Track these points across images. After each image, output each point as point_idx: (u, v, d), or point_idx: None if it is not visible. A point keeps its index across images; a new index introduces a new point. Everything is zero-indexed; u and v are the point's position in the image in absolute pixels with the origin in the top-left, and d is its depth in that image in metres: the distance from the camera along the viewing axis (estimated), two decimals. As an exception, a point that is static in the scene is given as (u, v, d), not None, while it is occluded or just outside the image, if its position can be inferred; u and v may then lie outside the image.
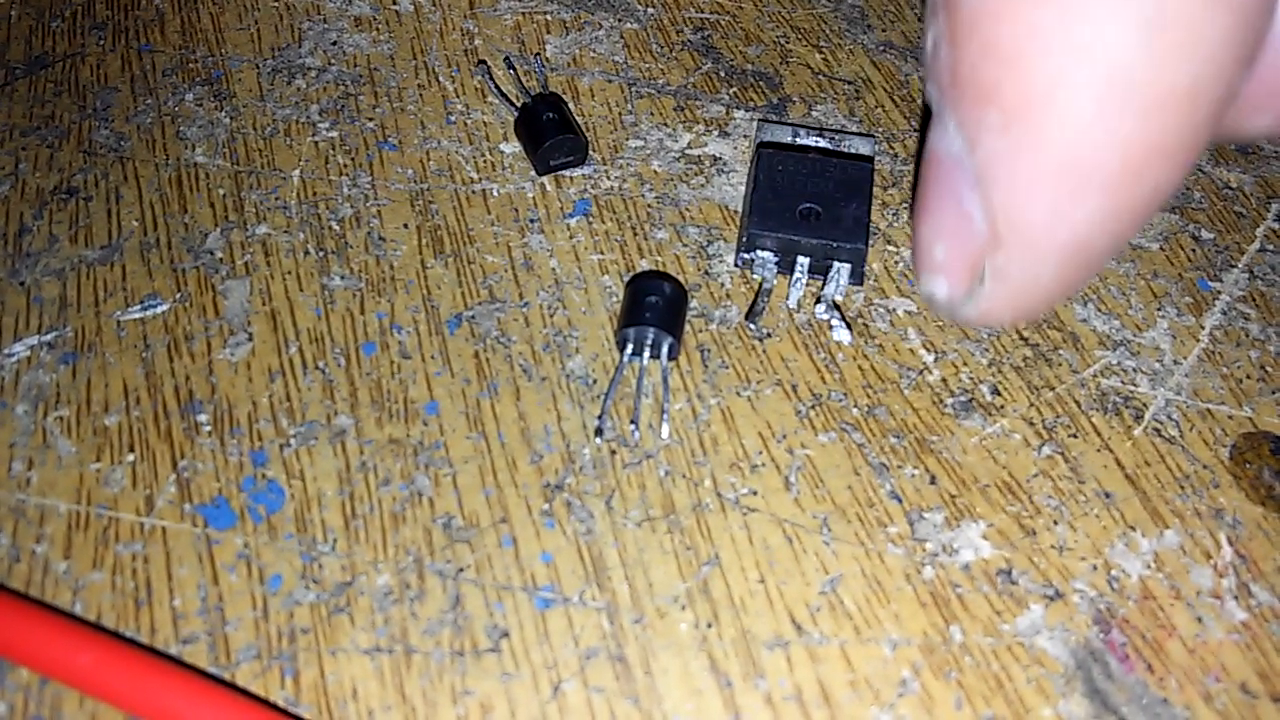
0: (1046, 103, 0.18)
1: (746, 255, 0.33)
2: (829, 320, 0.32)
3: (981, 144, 0.20)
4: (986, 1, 0.19)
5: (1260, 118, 0.21)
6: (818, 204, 0.33)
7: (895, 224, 0.34)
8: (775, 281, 0.33)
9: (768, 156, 0.34)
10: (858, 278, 0.33)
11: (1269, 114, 0.20)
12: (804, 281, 0.32)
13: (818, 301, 0.32)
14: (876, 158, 0.36)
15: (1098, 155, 0.19)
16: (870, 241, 0.33)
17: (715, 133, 0.37)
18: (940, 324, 0.32)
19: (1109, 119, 0.18)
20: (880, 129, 0.37)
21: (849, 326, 0.32)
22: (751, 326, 0.32)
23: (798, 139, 0.35)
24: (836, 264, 0.32)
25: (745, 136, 0.37)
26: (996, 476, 0.29)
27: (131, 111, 0.37)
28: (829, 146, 0.35)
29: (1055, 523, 0.28)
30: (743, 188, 0.35)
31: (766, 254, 0.33)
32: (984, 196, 0.20)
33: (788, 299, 0.32)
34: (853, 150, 0.35)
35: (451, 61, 0.39)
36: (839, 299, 0.32)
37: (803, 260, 0.32)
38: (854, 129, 0.37)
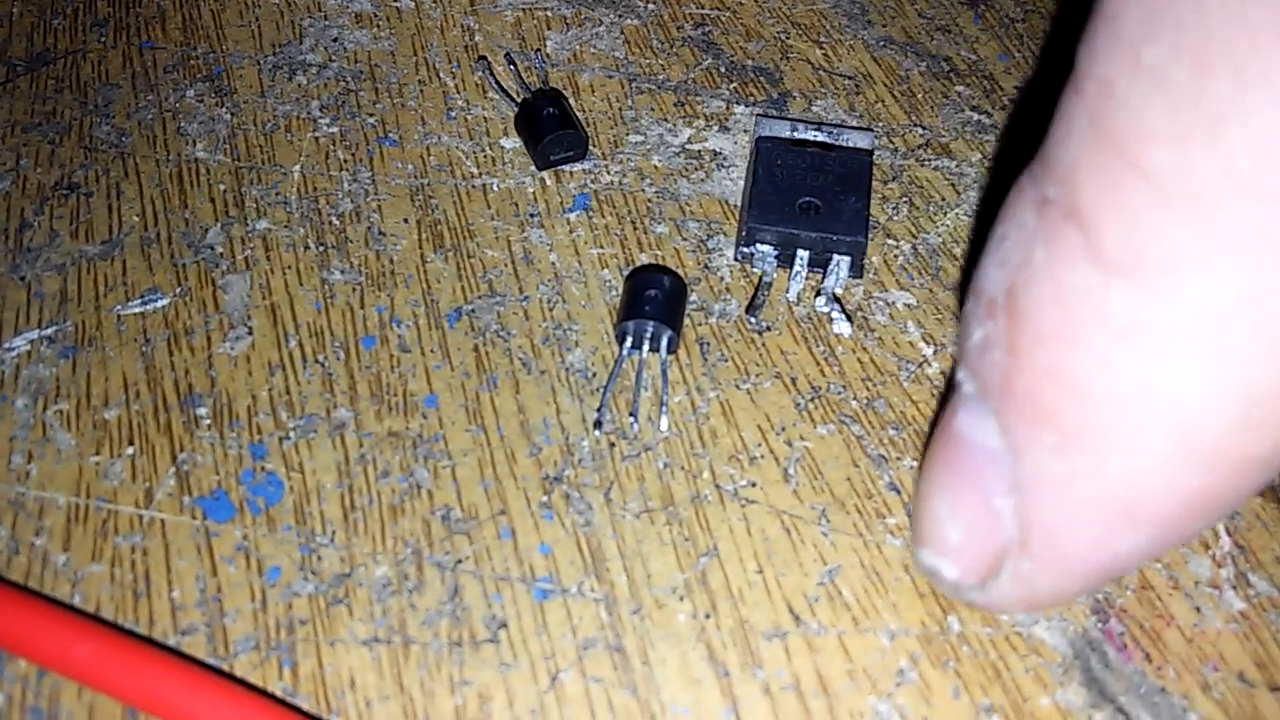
0: (1112, 440, 0.18)
1: (746, 249, 0.33)
2: (829, 313, 0.32)
3: (1030, 459, 0.19)
4: (1060, 325, 0.17)
5: None
6: (817, 197, 0.33)
7: (895, 218, 0.34)
8: (775, 275, 0.33)
9: (767, 150, 0.34)
10: (857, 270, 0.33)
11: None
12: (804, 275, 0.32)
13: (817, 294, 0.32)
14: (876, 152, 0.36)
15: (1157, 499, 0.18)
16: (870, 235, 0.33)
17: (715, 128, 0.37)
18: (940, 317, 0.32)
19: (1177, 469, 0.17)
20: (880, 124, 0.37)
21: (849, 319, 0.32)
22: (752, 320, 0.32)
23: (796, 133, 0.35)
24: (836, 257, 0.32)
25: (745, 131, 0.37)
26: (995, 468, 0.29)
27: (133, 108, 0.37)
28: (828, 140, 0.35)
29: (1054, 514, 0.28)
30: (742, 183, 0.35)
31: (766, 247, 0.33)
32: (1022, 505, 0.20)
33: (787, 292, 0.32)
34: (851, 144, 0.35)
35: (452, 57, 0.39)
36: (839, 291, 0.32)
37: (802, 253, 0.32)
38: (854, 124, 0.37)
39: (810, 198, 0.33)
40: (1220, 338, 0.16)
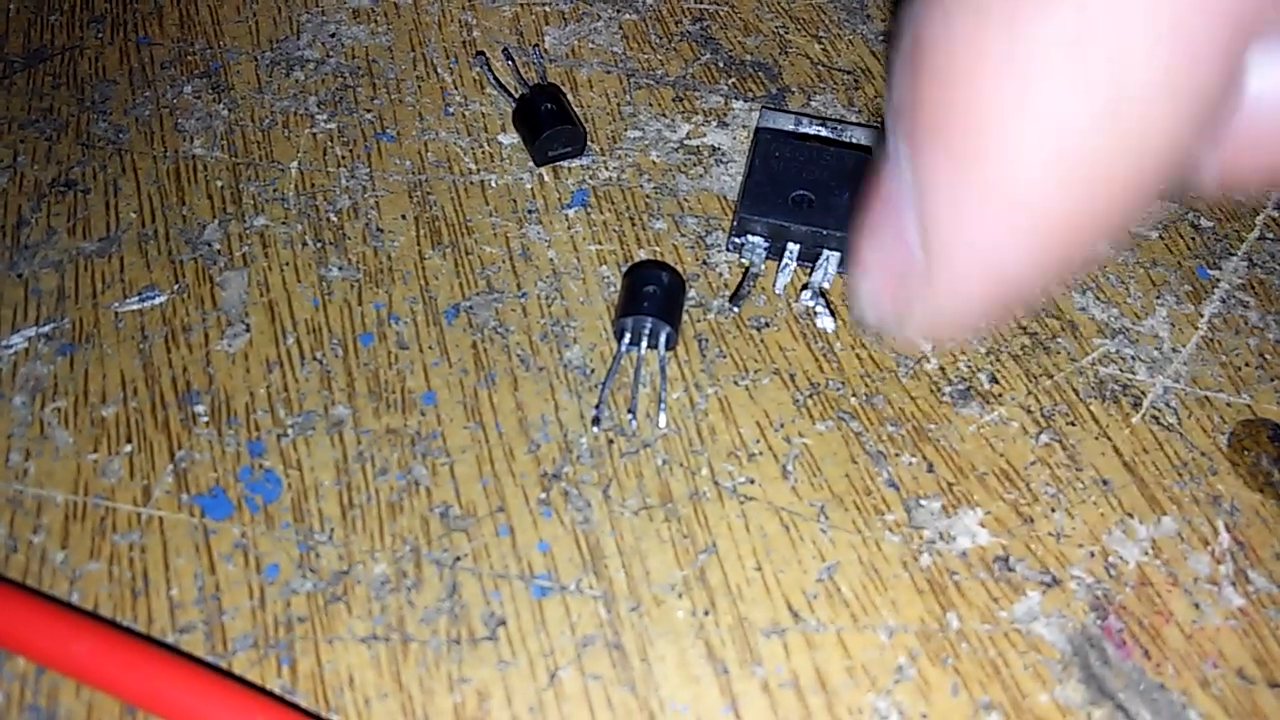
0: (997, 155, 0.19)
1: (737, 239, 0.33)
2: (813, 307, 0.32)
3: (927, 178, 0.21)
4: (948, 61, 0.19)
5: (1243, 174, 0.21)
6: (811, 191, 0.33)
7: (893, 213, 0.34)
8: (764, 267, 0.33)
9: (766, 142, 0.34)
10: (847, 266, 0.33)
11: (1250, 171, 0.21)
12: (793, 268, 0.32)
13: (804, 288, 0.32)
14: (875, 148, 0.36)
15: (1036, 213, 0.19)
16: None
17: (714, 123, 0.37)
18: (938, 312, 0.32)
19: (1053, 183, 0.19)
20: (879, 119, 0.37)
21: (834, 314, 0.32)
22: (735, 309, 0.32)
23: (800, 127, 0.35)
24: (826, 251, 0.32)
25: (744, 127, 0.37)
26: (994, 464, 0.29)
27: (130, 104, 0.37)
28: (830, 135, 0.35)
29: (1053, 510, 0.28)
30: (740, 175, 0.35)
31: (757, 239, 0.33)
32: (922, 224, 0.21)
33: (774, 284, 0.32)
34: (854, 140, 0.35)
35: (450, 53, 0.39)
36: (826, 286, 0.32)
37: (792, 247, 0.32)
38: (854, 119, 0.37)
39: (804, 191, 0.33)
40: (1083, 56, 0.18)
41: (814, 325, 0.32)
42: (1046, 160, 0.19)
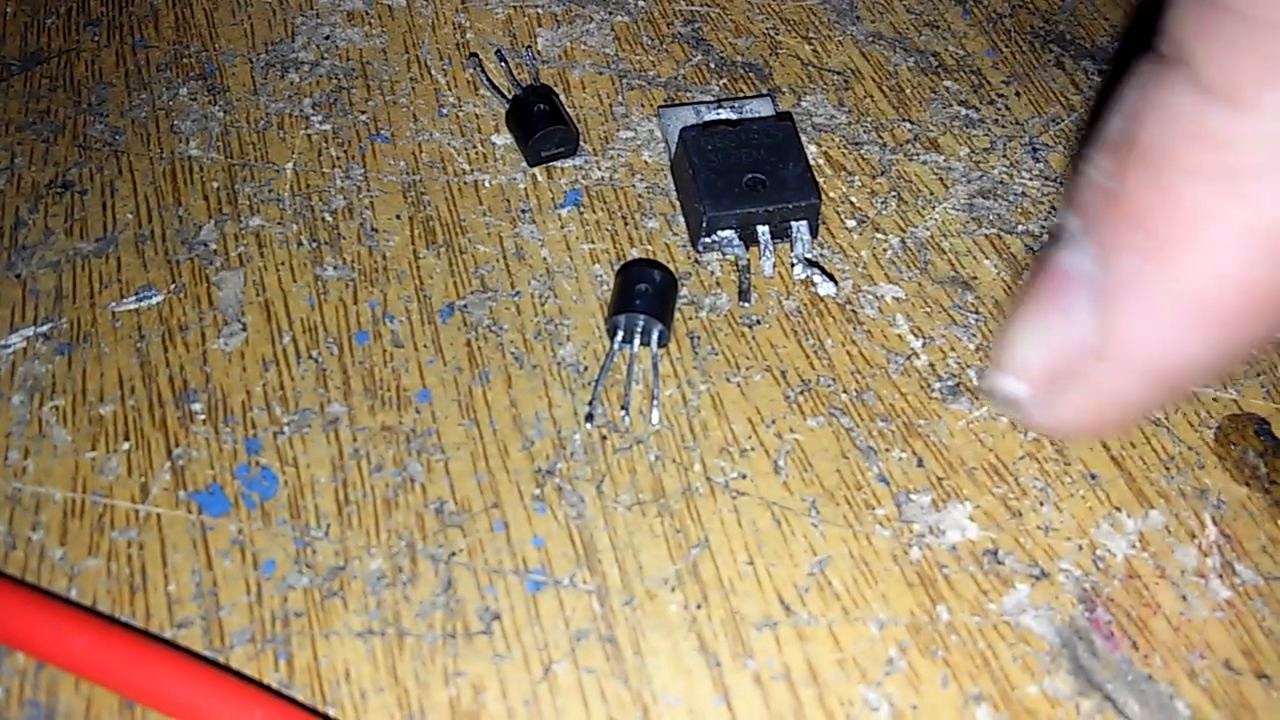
0: (1199, 241, 0.20)
1: (708, 239, 0.33)
2: (809, 277, 0.32)
3: (1118, 264, 0.21)
4: (1164, 143, 0.20)
5: None
6: (759, 172, 0.33)
7: (883, 212, 0.35)
8: (748, 257, 0.33)
9: (694, 139, 0.34)
10: (814, 230, 0.33)
11: None
12: (772, 248, 0.33)
13: (793, 266, 0.32)
14: (865, 145, 0.36)
15: (1231, 297, 0.20)
16: (819, 194, 0.33)
17: (705, 123, 0.37)
18: (928, 310, 0.32)
19: (1251, 268, 0.20)
20: (869, 119, 0.37)
21: (832, 278, 0.32)
22: (746, 304, 0.32)
23: (702, 117, 0.35)
24: (794, 223, 0.33)
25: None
26: (983, 459, 0.29)
27: (126, 106, 0.37)
28: (735, 115, 0.35)
29: (1041, 504, 0.29)
30: (675, 181, 0.35)
31: (728, 233, 0.33)
32: (1104, 311, 0.21)
33: (762, 270, 0.33)
34: (755, 113, 0.36)
35: (443, 55, 0.39)
36: (810, 255, 0.33)
37: (763, 229, 0.33)
38: (760, 107, 0.37)
39: (753, 174, 0.33)
40: None
41: (808, 324, 0.32)
42: (1241, 241, 0.19)
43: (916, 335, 0.32)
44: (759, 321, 0.32)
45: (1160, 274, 0.20)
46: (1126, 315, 0.21)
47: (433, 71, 0.38)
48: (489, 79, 0.38)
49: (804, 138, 0.36)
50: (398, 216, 0.34)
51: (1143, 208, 0.20)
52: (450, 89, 0.38)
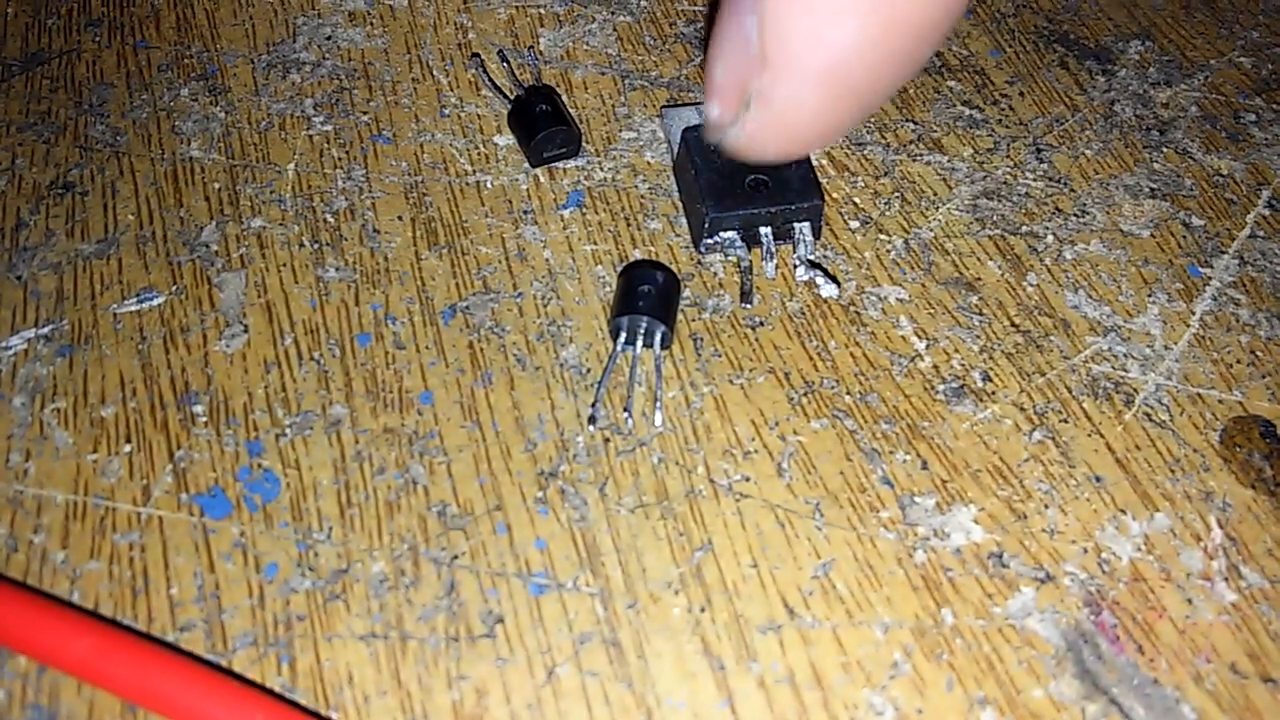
0: None
1: (710, 240, 0.33)
2: (812, 279, 0.32)
3: None
4: None
5: None
6: (761, 173, 0.33)
7: (887, 213, 0.35)
8: (750, 258, 0.33)
9: (696, 140, 0.34)
10: (817, 231, 0.33)
11: None
12: (774, 250, 0.33)
13: (796, 268, 0.32)
14: (869, 146, 0.36)
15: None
16: (822, 195, 0.33)
17: (708, 124, 0.37)
18: (932, 311, 0.32)
19: None
20: (872, 119, 0.37)
21: (835, 279, 0.32)
22: (748, 306, 0.32)
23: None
24: (797, 224, 0.33)
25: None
26: (988, 461, 0.29)
27: (127, 107, 0.37)
28: None
29: (1046, 506, 0.29)
30: (674, 179, 0.35)
31: (730, 234, 0.33)
32: (759, 16, 0.22)
33: (764, 271, 0.33)
34: None
35: (445, 55, 0.39)
36: (812, 257, 0.33)
37: (765, 230, 0.33)
38: None
39: (755, 175, 0.33)
40: None
41: (811, 325, 0.32)
42: None
43: (920, 337, 0.32)
44: (762, 323, 0.32)
45: None
46: (773, 12, 0.21)
47: (435, 72, 0.38)
48: (491, 79, 0.38)
49: (807, 138, 0.36)
50: (400, 218, 0.34)
51: None
52: (452, 89, 0.38)
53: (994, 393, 0.31)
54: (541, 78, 0.38)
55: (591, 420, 0.30)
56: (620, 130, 0.37)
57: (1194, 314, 0.32)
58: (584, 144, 0.36)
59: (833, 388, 0.31)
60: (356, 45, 0.39)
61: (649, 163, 0.36)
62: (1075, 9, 0.41)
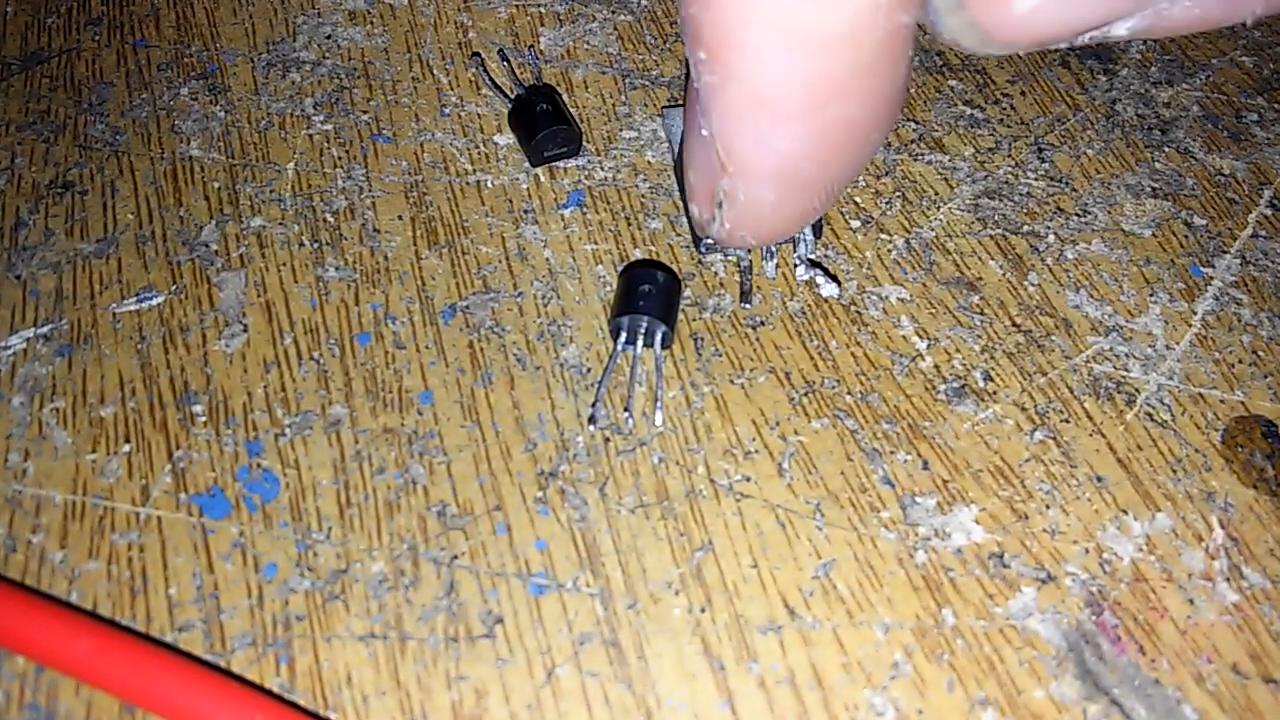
0: (734, 42, 0.21)
1: (710, 240, 0.33)
2: (812, 278, 0.32)
3: (700, 78, 0.22)
4: None
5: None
6: None
7: (888, 212, 0.35)
8: (750, 258, 0.33)
9: None
10: (818, 231, 0.33)
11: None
12: (775, 250, 0.33)
13: (796, 267, 0.32)
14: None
15: (781, 89, 0.21)
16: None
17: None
18: (933, 311, 0.32)
19: (783, 57, 0.20)
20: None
21: (835, 279, 0.32)
22: (748, 306, 0.32)
23: None
24: None
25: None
26: (989, 461, 0.29)
27: (127, 106, 0.37)
28: None
29: (1047, 507, 0.29)
30: (674, 178, 0.35)
31: None
32: (709, 124, 0.22)
33: (764, 271, 0.32)
34: None
35: (446, 54, 0.39)
36: (813, 256, 0.33)
37: None
38: None
39: None
40: None
41: (815, 325, 0.32)
42: (771, 39, 0.20)
43: (921, 337, 0.32)
44: (763, 323, 0.32)
45: (724, 82, 0.21)
46: (719, 124, 0.22)
47: (435, 71, 0.38)
48: (491, 79, 0.38)
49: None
50: (400, 217, 0.34)
51: (697, 26, 0.21)
52: (452, 89, 0.38)
53: (995, 392, 0.31)
54: (542, 77, 0.38)
55: (592, 420, 0.30)
56: (621, 129, 0.37)
57: (1196, 314, 0.32)
58: (584, 143, 0.36)
59: (833, 387, 0.31)
60: (356, 44, 0.39)
61: (649, 162, 0.36)
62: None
